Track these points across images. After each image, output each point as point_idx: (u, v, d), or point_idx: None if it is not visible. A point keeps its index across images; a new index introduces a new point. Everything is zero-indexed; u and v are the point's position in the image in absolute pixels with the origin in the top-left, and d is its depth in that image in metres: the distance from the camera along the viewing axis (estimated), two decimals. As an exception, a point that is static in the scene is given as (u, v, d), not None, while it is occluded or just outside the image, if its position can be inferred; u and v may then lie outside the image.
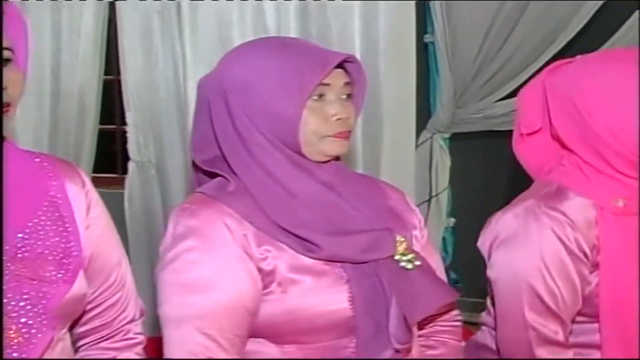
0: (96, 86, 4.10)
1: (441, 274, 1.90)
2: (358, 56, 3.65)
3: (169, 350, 1.69)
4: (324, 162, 1.77)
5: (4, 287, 1.49)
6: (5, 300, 1.48)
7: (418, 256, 1.79)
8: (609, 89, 1.77)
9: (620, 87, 1.76)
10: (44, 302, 1.52)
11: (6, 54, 1.51)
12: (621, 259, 1.81)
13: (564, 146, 1.90)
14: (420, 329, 1.91)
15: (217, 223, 1.69)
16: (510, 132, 3.01)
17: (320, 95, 1.71)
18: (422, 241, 1.91)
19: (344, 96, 1.74)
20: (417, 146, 3.95)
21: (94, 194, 1.72)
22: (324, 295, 1.71)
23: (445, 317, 1.95)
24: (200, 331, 1.65)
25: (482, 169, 4.09)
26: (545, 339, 1.85)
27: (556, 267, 1.83)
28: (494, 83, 3.92)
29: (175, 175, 3.96)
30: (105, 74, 4.24)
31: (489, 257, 1.94)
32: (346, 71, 1.75)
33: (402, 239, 1.78)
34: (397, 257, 1.76)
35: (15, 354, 1.47)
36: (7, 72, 1.50)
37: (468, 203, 4.26)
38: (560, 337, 1.86)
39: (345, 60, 1.73)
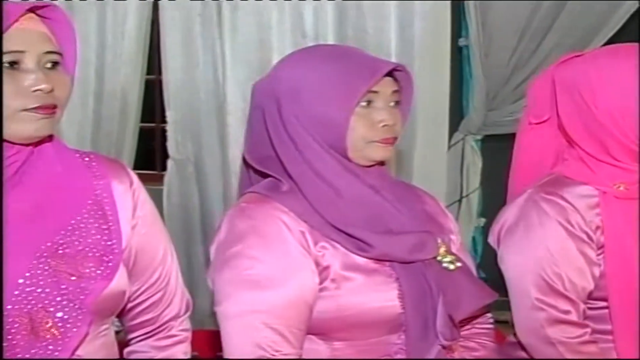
0: (138, 86, 4.16)
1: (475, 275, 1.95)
2: (393, 59, 3.78)
3: (231, 345, 1.74)
4: (369, 166, 1.80)
5: (42, 282, 1.53)
6: (42, 295, 1.51)
7: (458, 258, 1.83)
8: (614, 82, 1.83)
9: (625, 80, 1.81)
10: (81, 297, 1.56)
11: (54, 57, 1.54)
12: (625, 239, 1.85)
13: (567, 138, 1.96)
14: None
15: (274, 221, 1.73)
16: None
17: (369, 102, 1.74)
18: (457, 244, 1.94)
19: (392, 103, 1.77)
20: (449, 147, 4.00)
21: (142, 193, 1.74)
22: (374, 293, 1.75)
23: (481, 319, 1.98)
24: (267, 326, 1.69)
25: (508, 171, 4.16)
26: (555, 319, 1.89)
27: (558, 249, 1.87)
28: (525, 87, 3.81)
29: (213, 172, 4.06)
30: (147, 73, 4.30)
31: (498, 248, 2.00)
32: (395, 79, 1.79)
33: (441, 242, 1.82)
34: (439, 258, 1.80)
35: (50, 347, 1.51)
36: (55, 75, 1.53)
37: (498, 204, 4.28)
38: (572, 316, 1.89)
39: (394, 69, 1.77)
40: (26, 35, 1.50)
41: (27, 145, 1.54)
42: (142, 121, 4.39)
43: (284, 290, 1.71)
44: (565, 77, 1.92)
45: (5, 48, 1.47)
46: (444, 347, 1.76)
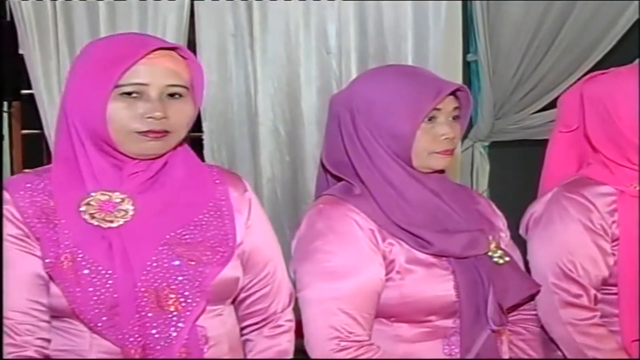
0: None
1: (521, 268, 2.07)
2: None
3: (310, 327, 1.87)
4: (430, 172, 1.93)
5: (166, 264, 1.70)
6: (167, 275, 1.68)
7: (507, 253, 1.96)
8: (634, 96, 2.03)
9: None
10: (199, 279, 1.70)
11: (177, 89, 1.70)
12: (637, 232, 2.02)
13: (591, 145, 2.14)
14: (508, 316, 2.04)
15: (348, 221, 1.88)
16: (544, 140, 3.20)
17: (431, 118, 1.87)
18: (506, 241, 2.07)
19: (451, 118, 1.90)
20: (460, 153, 4.11)
21: (253, 199, 1.91)
22: (433, 284, 1.89)
23: (526, 307, 2.09)
24: (341, 311, 1.84)
25: (518, 174, 4.13)
26: (567, 302, 2.03)
27: (574, 240, 2.04)
28: (530, 98, 4.07)
29: (245, 176, 4.14)
30: None
31: (526, 237, 2.17)
32: (456, 97, 1.92)
33: (492, 239, 1.96)
34: (490, 254, 1.93)
35: (174, 318, 1.66)
36: (176, 104, 1.69)
37: (505, 205, 4.47)
38: (583, 300, 2.04)
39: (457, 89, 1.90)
40: (154, 70, 1.67)
41: (154, 159, 1.73)
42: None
43: (356, 280, 1.85)
44: (592, 92, 2.12)
45: (130, 80, 1.65)
46: (493, 331, 1.89)
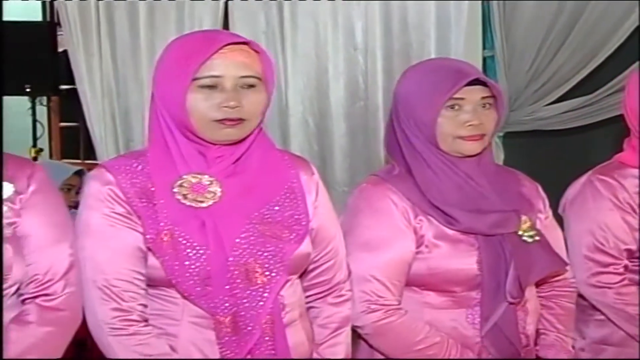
0: None
1: (560, 246, 2.17)
2: None
3: None
4: (466, 156, 2.04)
5: (253, 241, 1.80)
6: (254, 251, 1.79)
7: (539, 233, 2.06)
8: None
9: None
10: (280, 254, 1.82)
11: (250, 80, 1.81)
12: None
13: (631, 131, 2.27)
14: (540, 291, 2.18)
15: (385, 198, 2.03)
16: (556, 131, 3.25)
17: (454, 106, 1.98)
18: (545, 221, 2.17)
19: (484, 106, 2.00)
20: None
21: (319, 182, 2.01)
22: (458, 258, 2.01)
23: (562, 283, 2.20)
24: (374, 278, 1.99)
25: (531, 162, 4.10)
26: (599, 271, 2.18)
27: (605, 217, 2.19)
28: (543, 91, 4.12)
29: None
30: None
31: (564, 216, 2.30)
32: (486, 85, 2.02)
33: (527, 219, 2.06)
34: (520, 232, 2.04)
35: (261, 289, 1.79)
36: (250, 94, 1.80)
37: None
38: (613, 268, 2.18)
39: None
40: (227, 63, 1.78)
41: (234, 145, 1.83)
42: None
43: (388, 251, 2.01)
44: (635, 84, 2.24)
45: (206, 73, 1.75)
46: (510, 304, 2.01)
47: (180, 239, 1.77)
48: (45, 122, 5.76)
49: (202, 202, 1.81)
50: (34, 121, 5.43)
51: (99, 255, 1.78)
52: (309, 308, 2.02)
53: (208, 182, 1.82)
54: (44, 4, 5.82)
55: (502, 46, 4.12)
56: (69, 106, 5.53)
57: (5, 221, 1.70)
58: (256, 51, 1.85)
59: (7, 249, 1.68)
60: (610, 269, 2.19)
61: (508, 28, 4.12)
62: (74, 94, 4.62)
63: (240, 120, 1.79)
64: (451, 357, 1.97)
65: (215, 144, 1.83)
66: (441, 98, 1.97)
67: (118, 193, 1.80)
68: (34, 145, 5.33)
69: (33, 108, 5.41)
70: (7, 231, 1.70)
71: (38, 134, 5.46)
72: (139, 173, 1.83)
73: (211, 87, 1.76)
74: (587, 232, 2.21)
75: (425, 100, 2.00)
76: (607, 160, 2.38)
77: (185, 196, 1.81)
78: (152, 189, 1.82)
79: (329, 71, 4.23)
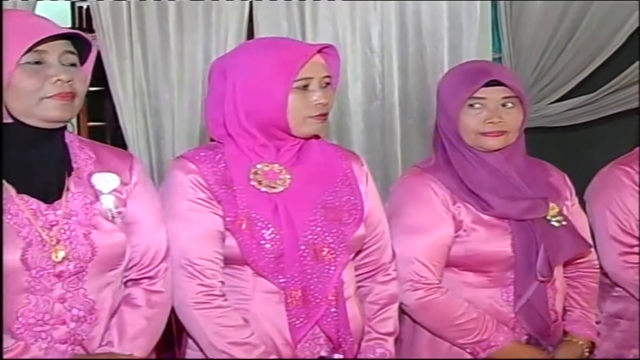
0: None
1: (585, 230, 2.28)
2: (446, 71, 3.83)
3: None
4: (492, 151, 2.15)
5: (320, 223, 1.93)
6: (320, 232, 1.93)
7: (566, 218, 2.18)
8: None
9: None
10: (342, 236, 1.96)
11: (330, 79, 1.96)
12: None
13: None
14: (567, 272, 2.28)
15: (426, 188, 2.15)
16: (559, 127, 3.30)
17: (473, 105, 2.11)
18: (572, 208, 2.28)
19: (507, 105, 2.13)
20: None
21: (368, 173, 2.14)
22: (493, 241, 2.13)
23: (586, 264, 2.30)
24: (417, 259, 2.11)
25: (536, 156, 4.55)
26: (624, 251, 2.29)
27: (626, 202, 2.31)
28: (547, 90, 4.23)
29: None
30: None
31: (588, 203, 2.41)
32: (507, 86, 2.13)
33: (555, 206, 2.18)
34: (548, 217, 2.16)
35: (327, 266, 1.92)
36: (328, 90, 1.96)
37: None
38: (635, 249, 2.29)
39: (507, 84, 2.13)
40: (315, 67, 1.93)
41: (304, 138, 1.98)
42: None
43: (429, 235, 2.13)
44: None
45: (302, 75, 1.90)
46: (541, 282, 2.13)
47: (256, 221, 1.91)
48: (74, 121, 5.80)
49: (274, 187, 1.95)
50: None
51: (183, 237, 1.91)
52: (359, 287, 2.12)
53: (278, 170, 1.96)
54: (73, 10, 5.88)
55: (509, 48, 4.22)
56: (97, 107, 5.62)
57: (114, 210, 1.78)
58: (325, 52, 1.99)
59: (120, 236, 1.77)
60: (634, 249, 2.30)
61: (515, 32, 4.22)
62: (101, 95, 4.66)
63: (327, 115, 1.97)
64: (488, 331, 2.07)
65: (292, 138, 1.96)
66: (462, 96, 2.10)
67: (200, 180, 1.93)
68: (64, 143, 5.38)
69: (63, 108, 5.45)
70: (117, 219, 1.80)
71: (68, 133, 5.50)
72: (218, 163, 1.96)
73: (304, 87, 1.91)
74: (612, 216, 2.34)
75: (450, 98, 2.14)
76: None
77: (260, 182, 1.95)
78: (230, 176, 1.94)
79: (348, 72, 4.29)
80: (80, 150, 1.81)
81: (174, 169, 1.98)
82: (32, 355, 1.59)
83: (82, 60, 1.74)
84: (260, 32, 4.37)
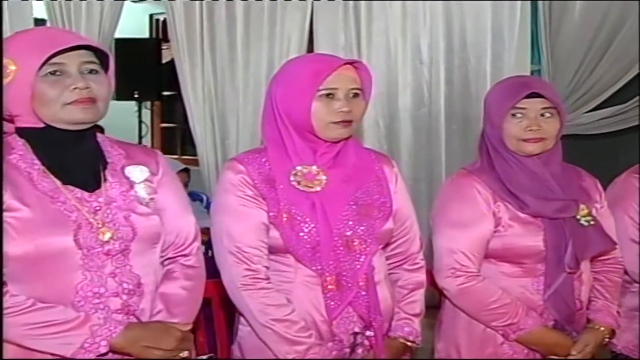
0: None
1: (612, 231, 2.30)
2: (488, 82, 4.26)
3: (437, 260, 2.21)
4: (531, 156, 2.18)
5: (352, 218, 1.99)
6: (353, 225, 1.99)
7: (594, 219, 2.22)
8: None
9: None
10: (372, 229, 2.02)
11: (358, 91, 1.99)
12: None
13: None
14: (594, 267, 2.31)
15: (470, 188, 2.20)
16: (592, 135, 3.31)
17: (516, 114, 2.14)
18: (601, 210, 2.30)
19: (545, 115, 2.16)
20: None
21: (399, 174, 2.19)
22: (528, 237, 2.17)
23: (612, 261, 2.33)
24: (459, 250, 2.17)
25: (569, 160, 4.46)
26: None
27: (636, 206, 2.35)
28: (582, 100, 4.33)
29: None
30: None
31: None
32: (546, 98, 2.16)
33: (585, 207, 2.21)
34: (578, 217, 2.20)
35: (358, 255, 1.98)
36: (355, 101, 1.98)
37: None
38: None
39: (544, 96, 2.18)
40: (340, 78, 1.97)
41: (338, 142, 2.03)
42: None
43: (472, 230, 2.17)
44: None
45: (326, 85, 1.94)
46: (568, 274, 2.17)
47: (295, 216, 2.00)
48: (149, 123, 6.07)
49: (312, 187, 2.02)
50: (140, 122, 5.77)
51: (233, 228, 2.01)
52: (390, 274, 2.20)
53: (316, 172, 2.03)
54: (150, 23, 6.09)
55: (548, 62, 4.36)
56: (169, 110, 5.83)
57: (147, 197, 1.86)
58: (357, 67, 2.05)
59: (155, 218, 1.85)
60: None
61: (553, 46, 4.36)
62: (173, 100, 4.82)
63: (351, 122, 2.00)
64: (518, 316, 2.15)
65: (324, 141, 2.04)
66: (506, 106, 2.16)
67: (248, 180, 2.03)
68: (140, 142, 5.62)
69: (139, 111, 5.75)
70: (149, 205, 1.86)
71: (143, 133, 5.82)
72: (263, 164, 2.05)
73: (328, 95, 1.98)
74: (631, 220, 2.39)
75: (496, 108, 2.20)
76: (635, 159, 2.53)
77: (299, 182, 2.02)
78: (274, 176, 2.04)
79: (398, 81, 4.47)
80: (112, 148, 1.89)
81: (226, 169, 2.10)
82: (92, 323, 1.70)
83: (105, 67, 1.80)
84: (319, 44, 4.55)
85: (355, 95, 2.00)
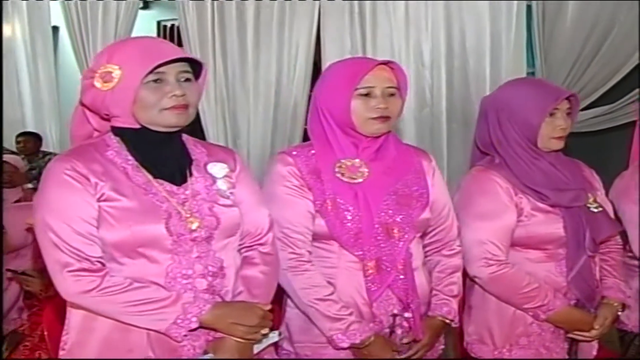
0: (305, 100, 4.66)
1: (612, 215, 2.36)
2: (487, 83, 4.34)
3: (467, 251, 2.23)
4: (548, 151, 2.24)
5: (391, 206, 2.04)
6: (392, 213, 2.05)
7: (600, 205, 2.29)
8: None
9: None
10: (410, 218, 2.08)
11: (394, 90, 2.06)
12: None
13: None
14: (599, 248, 2.34)
15: (492, 181, 2.23)
16: (582, 133, 3.32)
17: (552, 114, 2.18)
18: (601, 197, 2.36)
19: (566, 114, 2.23)
20: None
21: (436, 167, 2.24)
22: (549, 224, 2.22)
23: (613, 242, 2.40)
24: (488, 240, 2.19)
25: None
26: None
27: None
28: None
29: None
30: (310, 89, 4.56)
31: (616, 199, 2.47)
32: (567, 99, 2.23)
33: (591, 195, 2.29)
34: (588, 205, 2.27)
35: (396, 242, 2.04)
36: (393, 100, 2.05)
37: None
38: None
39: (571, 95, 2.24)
40: (378, 78, 2.04)
41: (378, 137, 2.09)
42: (306, 124, 4.43)
43: (498, 221, 2.21)
44: None
45: (364, 84, 2.00)
46: (589, 257, 2.23)
47: (340, 205, 2.06)
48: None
49: (355, 179, 2.09)
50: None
51: (280, 215, 2.08)
52: (429, 260, 2.26)
53: (359, 165, 2.10)
54: (158, 29, 6.07)
55: (542, 64, 4.41)
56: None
57: (227, 191, 1.93)
58: (392, 68, 2.11)
59: (236, 209, 1.92)
60: None
61: (547, 50, 4.42)
62: None
63: (388, 118, 2.06)
64: (547, 298, 2.21)
65: (366, 137, 2.10)
66: (550, 106, 2.20)
67: (295, 171, 2.10)
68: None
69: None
70: (230, 198, 1.93)
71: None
72: (310, 157, 2.13)
73: (366, 94, 2.04)
74: (636, 208, 2.44)
75: (532, 109, 2.21)
76: (624, 155, 2.64)
77: (343, 174, 2.09)
78: (319, 168, 2.11)
79: (401, 82, 4.50)
80: (195, 147, 1.96)
81: (275, 162, 2.16)
82: (184, 301, 1.75)
83: (197, 75, 1.88)
84: (327, 49, 4.60)
85: (392, 93, 2.06)
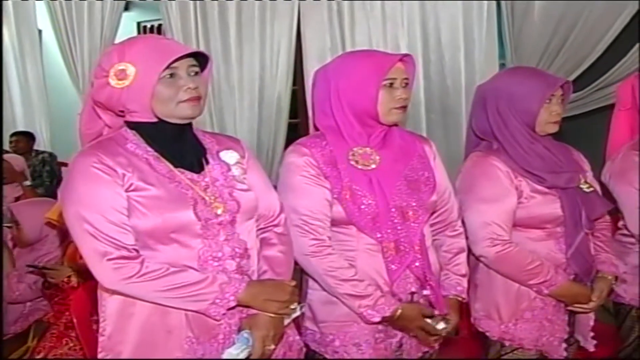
0: (288, 94, 4.69)
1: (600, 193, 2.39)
2: (463, 76, 4.40)
3: (472, 232, 2.25)
4: (544, 135, 2.27)
5: (404, 192, 2.06)
6: (406, 197, 2.06)
7: (591, 185, 2.34)
8: None
9: None
10: (421, 201, 2.09)
11: (408, 81, 2.08)
12: None
13: None
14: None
15: (492, 166, 2.25)
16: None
17: (550, 100, 2.19)
18: (590, 178, 2.39)
19: (560, 100, 2.25)
20: None
21: (436, 152, 2.25)
22: (548, 205, 2.25)
23: (603, 219, 2.43)
24: (492, 222, 2.22)
25: None
26: None
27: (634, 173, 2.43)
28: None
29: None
30: (293, 85, 4.80)
31: (609, 181, 2.51)
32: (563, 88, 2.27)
33: (582, 176, 2.33)
34: (581, 186, 2.30)
35: (412, 224, 2.06)
36: (408, 90, 2.08)
37: None
38: None
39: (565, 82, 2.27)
40: (398, 70, 2.05)
41: (388, 125, 2.11)
42: (290, 118, 4.87)
43: (501, 203, 2.23)
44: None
45: (389, 76, 2.02)
46: (586, 234, 2.27)
47: (356, 191, 2.07)
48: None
49: (368, 165, 2.10)
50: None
51: (299, 204, 2.08)
52: (433, 240, 2.27)
53: (370, 152, 2.11)
54: (138, 30, 5.99)
55: (512, 57, 4.49)
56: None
57: (241, 176, 1.95)
58: (403, 61, 2.11)
59: (252, 193, 1.94)
60: None
61: (516, 43, 4.50)
62: None
63: (406, 107, 2.10)
64: (550, 274, 2.25)
65: (380, 125, 2.11)
66: (546, 94, 2.23)
67: (312, 161, 2.10)
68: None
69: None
70: (244, 183, 1.94)
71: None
72: (324, 147, 2.12)
73: (390, 85, 2.07)
74: (636, 190, 2.48)
75: (531, 96, 2.24)
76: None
77: (357, 162, 2.10)
78: (335, 158, 2.12)
79: (380, 77, 4.53)
80: (204, 137, 1.97)
81: (291, 153, 2.15)
82: (221, 281, 1.77)
83: (202, 68, 1.89)
84: (307, 47, 4.62)
85: (407, 84, 2.09)
